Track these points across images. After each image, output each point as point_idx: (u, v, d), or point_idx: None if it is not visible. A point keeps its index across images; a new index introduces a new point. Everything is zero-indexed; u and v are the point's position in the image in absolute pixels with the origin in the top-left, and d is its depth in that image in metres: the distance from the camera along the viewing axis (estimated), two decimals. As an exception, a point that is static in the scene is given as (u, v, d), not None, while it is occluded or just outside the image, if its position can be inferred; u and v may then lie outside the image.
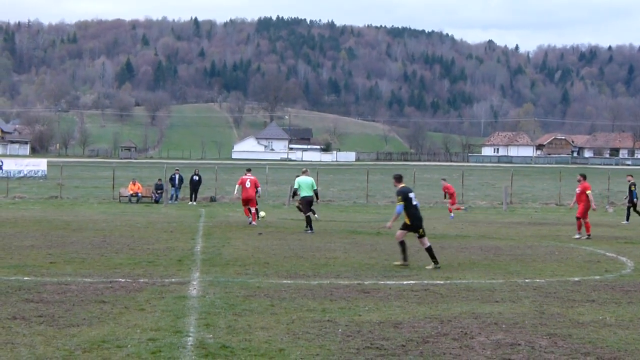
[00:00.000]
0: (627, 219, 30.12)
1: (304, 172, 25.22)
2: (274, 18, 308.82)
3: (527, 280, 13.91)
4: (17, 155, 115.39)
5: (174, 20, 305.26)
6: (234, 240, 20.37)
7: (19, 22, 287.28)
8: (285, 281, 13.41)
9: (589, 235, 22.36)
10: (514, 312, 10.83)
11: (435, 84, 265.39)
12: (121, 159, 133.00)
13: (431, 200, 42.39)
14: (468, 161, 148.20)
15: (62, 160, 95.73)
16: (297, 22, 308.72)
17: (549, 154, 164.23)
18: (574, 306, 11.41)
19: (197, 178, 41.21)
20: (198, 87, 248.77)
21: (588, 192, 22.82)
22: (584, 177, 23.46)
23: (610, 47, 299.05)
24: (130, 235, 21.36)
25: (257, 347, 8.54)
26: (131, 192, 40.87)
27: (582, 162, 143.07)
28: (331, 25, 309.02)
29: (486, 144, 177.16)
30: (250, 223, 25.69)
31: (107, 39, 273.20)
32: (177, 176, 41.70)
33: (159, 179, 42.17)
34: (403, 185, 15.80)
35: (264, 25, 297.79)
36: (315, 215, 25.07)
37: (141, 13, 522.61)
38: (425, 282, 13.55)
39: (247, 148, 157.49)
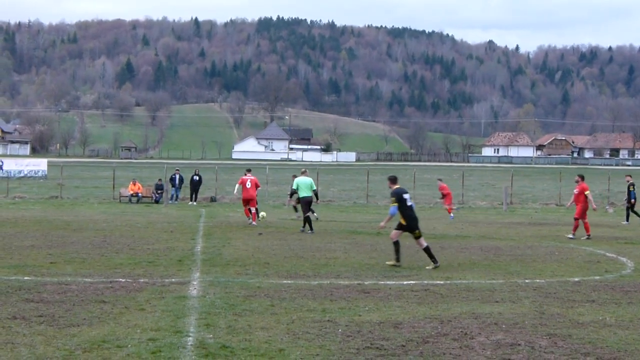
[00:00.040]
0: (627, 220, 30.14)
1: (303, 173, 25.22)
2: (274, 18, 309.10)
3: (527, 281, 13.92)
4: (18, 155, 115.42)
5: (174, 20, 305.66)
6: (234, 241, 20.38)
7: (19, 22, 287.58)
8: (285, 281, 13.41)
9: (588, 235, 22.37)
10: (514, 312, 10.83)
11: (435, 84, 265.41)
12: (121, 159, 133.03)
13: (431, 201, 42.41)
14: (468, 161, 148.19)
15: (63, 160, 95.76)
16: (298, 22, 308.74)
17: (549, 155, 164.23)
18: (574, 306, 11.42)
19: (197, 178, 41.22)
20: (198, 87, 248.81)
21: (587, 192, 22.83)
22: (582, 177, 23.48)
23: (610, 48, 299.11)
24: (131, 235, 21.37)
25: (257, 347, 8.55)
26: (131, 192, 40.88)
27: (582, 163, 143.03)
28: (331, 25, 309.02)
29: (486, 144, 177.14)
30: (250, 223, 25.70)
31: (107, 39, 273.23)
32: (177, 176, 41.72)
33: (159, 179, 42.19)
34: (398, 186, 15.88)
35: (264, 25, 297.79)
36: (315, 214, 25.08)
37: (141, 13, 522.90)
38: (426, 282, 13.56)
39: (248, 148, 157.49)
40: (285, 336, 9.13)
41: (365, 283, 13.33)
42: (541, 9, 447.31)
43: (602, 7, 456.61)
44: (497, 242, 21.08)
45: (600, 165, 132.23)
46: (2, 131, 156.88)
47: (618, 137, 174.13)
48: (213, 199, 41.98)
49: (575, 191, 23.30)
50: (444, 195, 32.92)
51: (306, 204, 23.69)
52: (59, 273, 13.92)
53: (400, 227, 15.53)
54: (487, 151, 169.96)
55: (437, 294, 12.29)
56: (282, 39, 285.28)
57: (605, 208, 36.16)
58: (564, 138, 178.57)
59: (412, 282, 13.55)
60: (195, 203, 40.11)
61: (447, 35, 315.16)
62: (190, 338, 8.91)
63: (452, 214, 31.90)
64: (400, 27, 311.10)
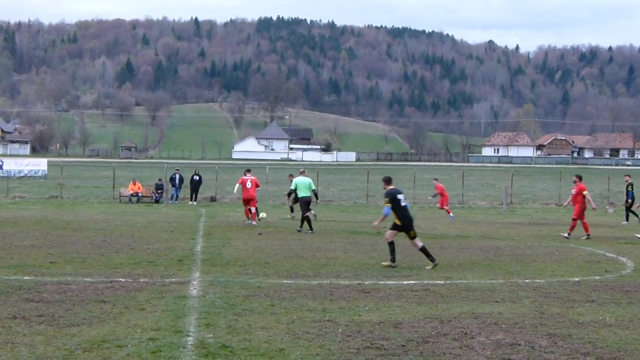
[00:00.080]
0: (627, 219, 30.15)
1: (302, 173, 25.21)
2: (274, 18, 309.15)
3: (527, 281, 13.92)
4: (18, 155, 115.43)
5: (174, 20, 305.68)
6: (234, 240, 20.38)
7: (19, 22, 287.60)
8: (285, 281, 13.41)
9: (588, 235, 22.37)
10: (514, 312, 10.83)
11: (435, 84, 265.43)
12: (121, 158, 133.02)
13: (431, 201, 42.33)
14: (468, 161, 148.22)
15: (63, 160, 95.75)
16: (298, 22, 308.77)
17: (549, 155, 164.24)
18: (574, 306, 11.42)
19: (197, 178, 41.22)
20: (198, 87, 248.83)
21: (585, 192, 22.84)
22: (580, 178, 23.49)
23: (610, 48, 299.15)
24: (131, 235, 21.37)
25: (257, 347, 8.55)
26: (131, 192, 40.87)
27: (582, 163, 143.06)
28: (331, 25, 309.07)
29: (486, 144, 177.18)
30: (250, 223, 25.69)
31: (107, 38, 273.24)
32: (177, 176, 41.71)
33: (159, 179, 42.17)
34: (392, 187, 15.96)
35: (264, 25, 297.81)
36: (312, 211, 25.04)
37: (141, 13, 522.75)
38: (425, 282, 13.56)
39: (248, 148, 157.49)
40: (285, 336, 9.14)
41: (365, 283, 13.33)
42: (541, 9, 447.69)
43: (602, 7, 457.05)
44: (497, 242, 21.08)
45: (600, 165, 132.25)
46: (2, 131, 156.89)
47: (618, 137, 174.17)
48: (213, 199, 41.98)
49: (573, 191, 23.32)
50: (436, 194, 33.28)
51: (305, 203, 23.68)
52: (59, 273, 13.93)
53: (395, 227, 15.56)
54: (487, 151, 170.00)
55: (437, 294, 12.29)
56: (282, 38, 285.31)
57: (605, 208, 36.16)
58: (564, 138, 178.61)
59: (412, 282, 13.55)
60: (195, 203, 40.10)
61: (447, 35, 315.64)
62: (191, 338, 8.92)
63: (451, 214, 31.96)
64: (400, 27, 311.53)
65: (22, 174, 57.88)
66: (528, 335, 9.38)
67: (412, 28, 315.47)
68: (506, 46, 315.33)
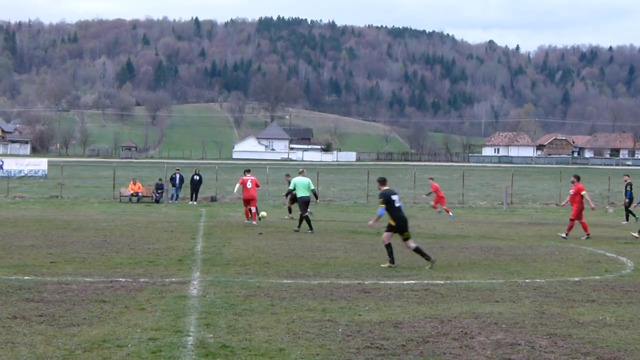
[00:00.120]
0: (627, 219, 30.16)
1: (300, 173, 25.20)
2: (275, 18, 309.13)
3: (527, 280, 13.92)
4: (18, 155, 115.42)
5: (174, 20, 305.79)
6: (235, 240, 20.38)
7: (19, 22, 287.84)
8: (285, 281, 13.42)
9: (588, 235, 22.39)
10: (514, 312, 10.83)
11: (435, 84, 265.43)
12: (122, 158, 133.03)
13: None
14: (469, 161, 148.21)
15: (63, 159, 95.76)
16: (298, 22, 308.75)
17: (550, 154, 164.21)
18: (574, 306, 11.42)
19: (197, 178, 41.23)
20: (199, 87, 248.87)
21: (583, 192, 22.86)
22: (578, 178, 23.52)
23: (610, 48, 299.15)
24: (131, 235, 21.37)
25: (258, 347, 8.55)
26: (132, 191, 40.89)
27: (582, 163, 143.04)
28: (332, 25, 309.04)
29: (487, 144, 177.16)
30: (250, 223, 25.70)
31: (107, 38, 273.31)
32: (177, 176, 41.72)
33: (160, 179, 42.18)
34: (386, 187, 16.07)
35: (265, 25, 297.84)
36: (309, 210, 25.00)
37: (142, 13, 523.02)
38: (426, 282, 13.56)
39: (248, 148, 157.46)
40: (285, 336, 9.14)
41: (366, 283, 13.33)
42: (541, 9, 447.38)
43: (602, 7, 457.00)
44: (497, 242, 21.08)
45: (601, 165, 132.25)
46: (3, 131, 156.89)
47: (618, 137, 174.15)
48: (213, 199, 41.99)
49: (571, 192, 23.34)
50: (430, 193, 33.76)
51: (304, 204, 23.67)
52: (59, 273, 13.93)
53: (390, 228, 15.65)
54: (488, 151, 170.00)
55: (437, 294, 12.29)
56: (282, 38, 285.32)
57: (605, 208, 36.17)
58: (564, 138, 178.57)
59: (412, 281, 13.56)
60: (195, 203, 40.11)
61: (448, 35, 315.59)
62: (191, 338, 8.92)
63: (450, 213, 32.05)
64: (400, 27, 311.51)
65: (22, 174, 57.90)
66: (528, 335, 9.38)
67: (413, 28, 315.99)
68: (506, 46, 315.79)
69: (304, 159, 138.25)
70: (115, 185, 44.09)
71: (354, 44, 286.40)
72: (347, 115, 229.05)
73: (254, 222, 25.76)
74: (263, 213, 27.73)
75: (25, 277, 13.30)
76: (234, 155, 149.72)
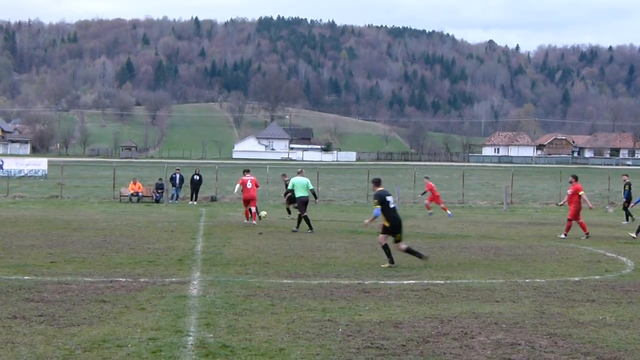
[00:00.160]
0: (627, 219, 30.15)
1: (299, 173, 25.19)
2: (275, 18, 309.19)
3: (527, 280, 13.92)
4: (18, 155, 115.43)
5: (174, 19, 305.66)
6: (235, 240, 20.38)
7: (19, 22, 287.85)
8: (285, 281, 13.42)
9: (587, 234, 22.40)
10: (514, 312, 10.84)
11: (435, 83, 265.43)
12: (122, 158, 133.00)
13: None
14: (468, 161, 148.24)
15: (63, 159, 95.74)
16: (298, 21, 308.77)
17: (550, 154, 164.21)
18: (574, 306, 11.42)
19: (197, 178, 41.22)
20: (198, 87, 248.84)
21: (581, 192, 22.87)
22: (576, 178, 23.53)
23: (610, 47, 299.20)
24: (131, 235, 21.37)
25: (258, 347, 8.55)
26: (132, 191, 40.89)
27: (582, 162, 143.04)
28: (332, 25, 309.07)
29: (487, 144, 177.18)
30: (250, 223, 25.70)
31: (107, 38, 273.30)
32: (177, 176, 41.73)
33: (160, 179, 42.18)
34: (381, 189, 16.16)
35: (265, 25, 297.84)
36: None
37: (142, 12, 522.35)
38: (426, 281, 13.56)
39: (248, 148, 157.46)
40: (285, 336, 9.14)
41: (366, 282, 13.34)
42: (541, 9, 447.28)
43: (602, 7, 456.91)
44: (497, 242, 21.08)
45: (601, 165, 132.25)
46: (3, 130, 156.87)
47: (618, 137, 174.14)
48: (213, 199, 41.98)
49: (569, 192, 23.35)
50: (425, 192, 33.97)
51: (302, 204, 23.65)
52: (59, 272, 13.93)
53: (385, 230, 15.77)
54: (488, 151, 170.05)
55: (437, 294, 12.29)
56: (282, 38, 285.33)
57: (605, 208, 36.16)
58: (564, 138, 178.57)
59: (412, 281, 13.56)
60: (195, 202, 40.11)
61: (447, 35, 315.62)
62: (191, 337, 8.92)
63: (449, 212, 32.11)
64: (400, 27, 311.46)
65: (22, 174, 57.87)
66: (528, 335, 9.38)
67: (413, 28, 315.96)
68: (506, 46, 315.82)
69: (303, 159, 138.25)
70: (115, 185, 44.09)
71: (353, 44, 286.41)
72: (347, 115, 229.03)
73: (254, 222, 25.77)
74: (263, 212, 27.74)
75: (25, 277, 13.30)
76: (234, 155, 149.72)
